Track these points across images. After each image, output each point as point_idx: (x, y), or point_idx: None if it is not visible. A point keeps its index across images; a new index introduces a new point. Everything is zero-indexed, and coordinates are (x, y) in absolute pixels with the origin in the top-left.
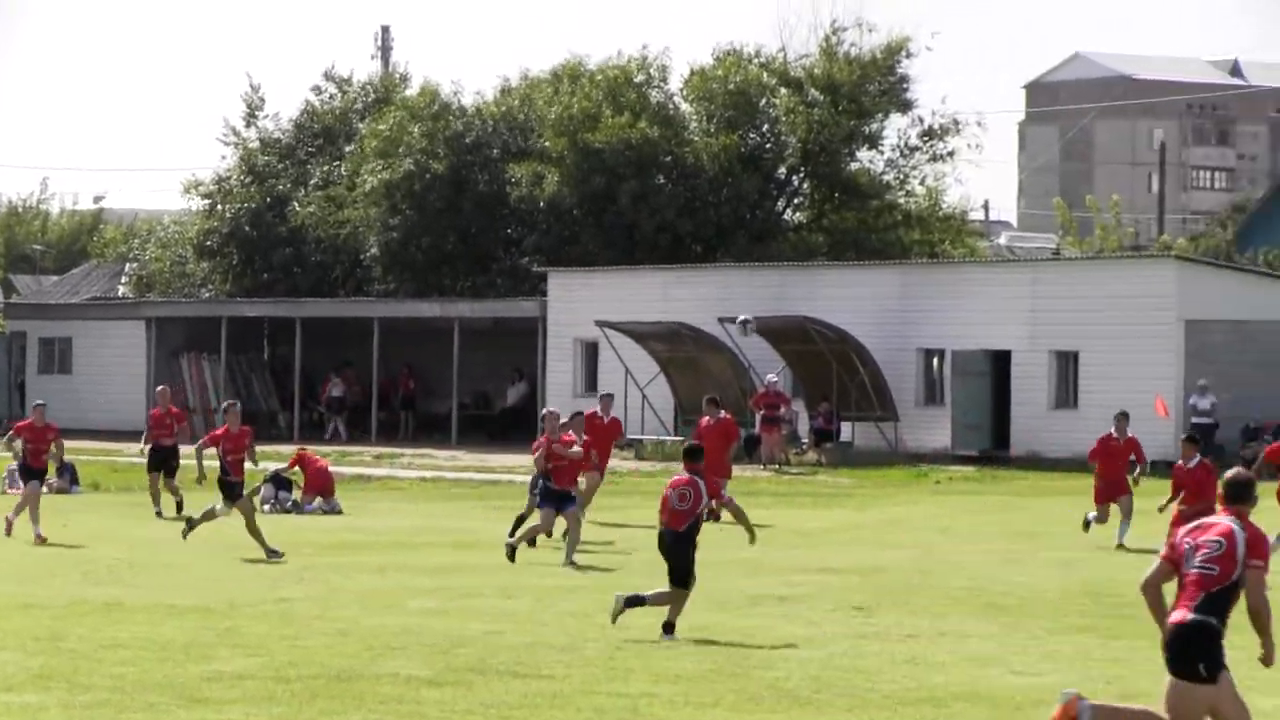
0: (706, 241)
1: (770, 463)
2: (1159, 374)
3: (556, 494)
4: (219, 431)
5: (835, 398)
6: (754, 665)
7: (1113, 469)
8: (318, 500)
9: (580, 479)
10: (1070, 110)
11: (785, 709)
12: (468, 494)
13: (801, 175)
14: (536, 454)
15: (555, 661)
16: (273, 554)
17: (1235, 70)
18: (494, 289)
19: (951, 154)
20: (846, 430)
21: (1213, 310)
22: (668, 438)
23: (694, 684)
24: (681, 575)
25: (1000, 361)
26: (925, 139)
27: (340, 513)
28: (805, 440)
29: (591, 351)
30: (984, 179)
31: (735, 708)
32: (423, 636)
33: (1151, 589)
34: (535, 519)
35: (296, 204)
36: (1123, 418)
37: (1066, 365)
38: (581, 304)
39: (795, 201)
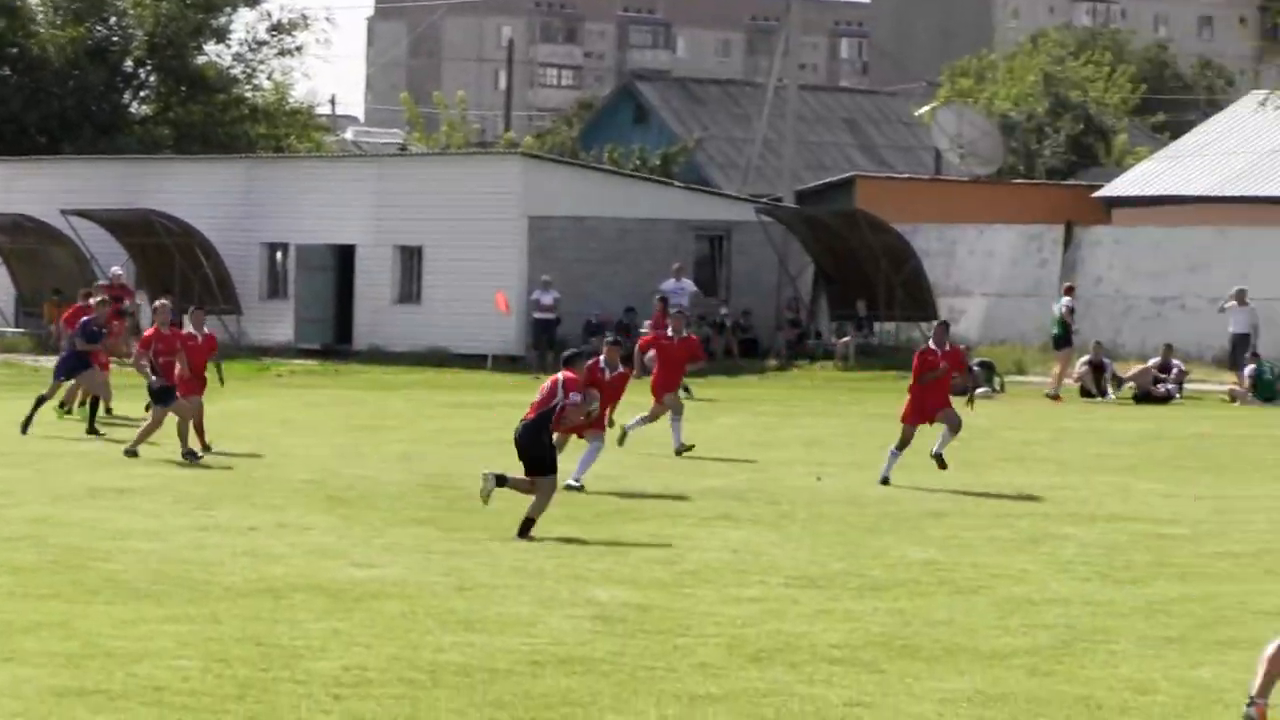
0: (51, 133)
1: (114, 355)
2: (503, 269)
3: (167, 390)
4: None
5: (179, 290)
6: (93, 558)
7: None
8: None
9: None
10: (420, 6)
11: (124, 600)
12: None
13: (149, 68)
14: (142, 349)
15: None
16: None
17: None
18: None
19: (300, 49)
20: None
21: (557, 207)
22: (7, 329)
23: (32, 576)
24: (535, 463)
25: (344, 256)
26: (274, 34)
27: None
28: None
29: None
30: (332, 74)
31: (73, 600)
32: None
33: None
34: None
35: None
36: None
37: (411, 260)
38: None
39: (142, 94)
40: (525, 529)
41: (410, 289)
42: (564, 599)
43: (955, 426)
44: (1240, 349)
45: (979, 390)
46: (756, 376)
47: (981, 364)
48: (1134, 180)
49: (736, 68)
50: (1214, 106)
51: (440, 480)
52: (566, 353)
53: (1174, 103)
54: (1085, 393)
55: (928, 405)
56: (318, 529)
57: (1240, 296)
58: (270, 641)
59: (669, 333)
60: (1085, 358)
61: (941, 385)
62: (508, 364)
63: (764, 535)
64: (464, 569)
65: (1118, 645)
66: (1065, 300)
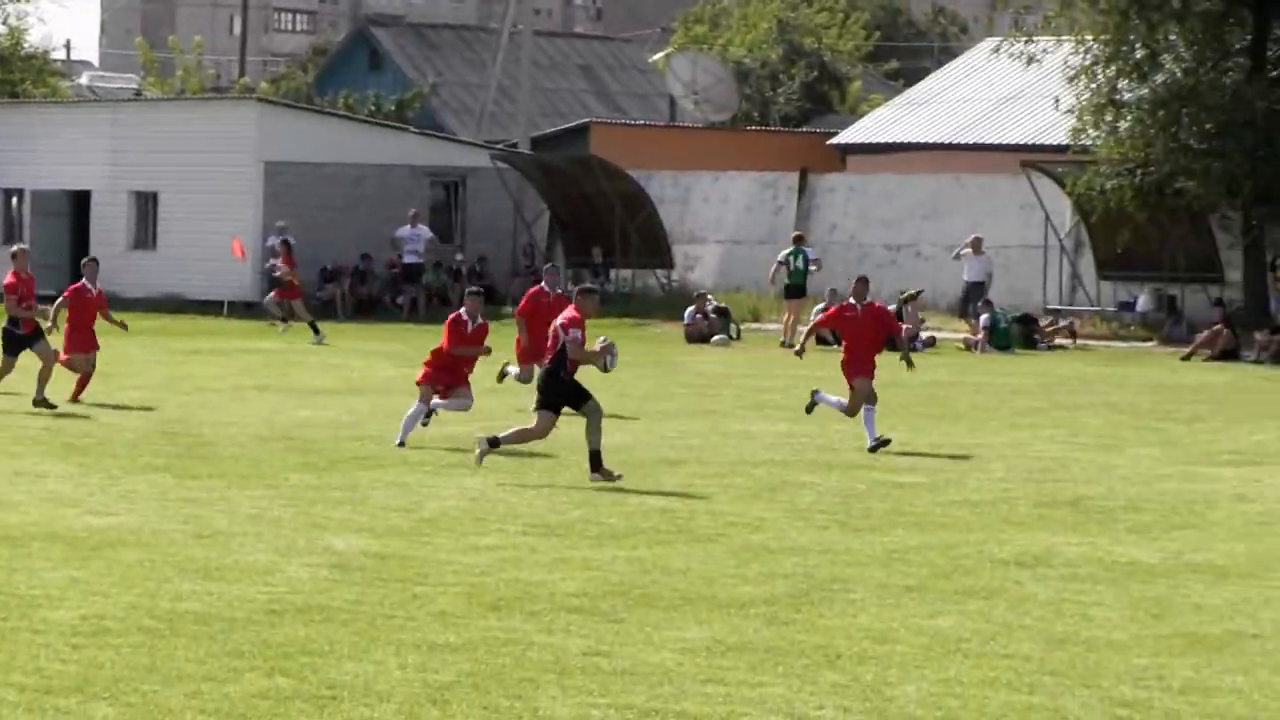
0: None
1: None
2: (239, 215)
3: (24, 339)
4: None
5: None
6: None
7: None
8: None
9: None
10: None
11: None
12: None
13: None
14: (10, 296)
15: None
16: None
17: None
18: None
19: None
20: None
21: (292, 152)
22: None
23: None
24: (569, 400)
25: (80, 201)
26: None
27: None
28: None
29: None
30: (67, 19)
31: None
32: None
33: None
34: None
35: None
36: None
37: (146, 206)
38: None
39: None
40: (594, 463)
41: (145, 235)
42: (301, 547)
43: (869, 399)
44: (973, 297)
45: (716, 338)
46: (493, 323)
47: (717, 310)
48: (868, 127)
49: (471, 13)
50: (948, 54)
51: (177, 427)
52: (579, 286)
53: (908, 50)
54: (821, 340)
55: (853, 364)
56: (54, 476)
57: (976, 245)
58: (7, 590)
59: (545, 286)
60: (820, 305)
61: (869, 349)
62: (243, 310)
63: (502, 483)
64: (201, 517)
65: (856, 594)
66: (810, 250)
